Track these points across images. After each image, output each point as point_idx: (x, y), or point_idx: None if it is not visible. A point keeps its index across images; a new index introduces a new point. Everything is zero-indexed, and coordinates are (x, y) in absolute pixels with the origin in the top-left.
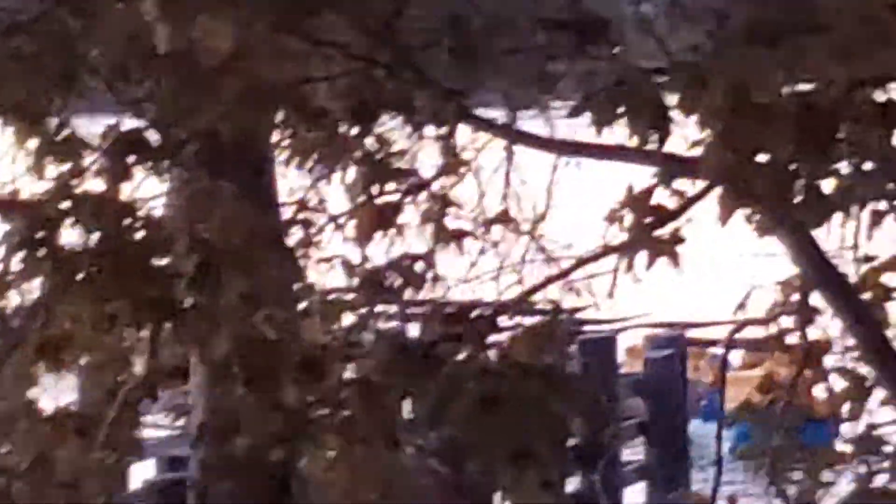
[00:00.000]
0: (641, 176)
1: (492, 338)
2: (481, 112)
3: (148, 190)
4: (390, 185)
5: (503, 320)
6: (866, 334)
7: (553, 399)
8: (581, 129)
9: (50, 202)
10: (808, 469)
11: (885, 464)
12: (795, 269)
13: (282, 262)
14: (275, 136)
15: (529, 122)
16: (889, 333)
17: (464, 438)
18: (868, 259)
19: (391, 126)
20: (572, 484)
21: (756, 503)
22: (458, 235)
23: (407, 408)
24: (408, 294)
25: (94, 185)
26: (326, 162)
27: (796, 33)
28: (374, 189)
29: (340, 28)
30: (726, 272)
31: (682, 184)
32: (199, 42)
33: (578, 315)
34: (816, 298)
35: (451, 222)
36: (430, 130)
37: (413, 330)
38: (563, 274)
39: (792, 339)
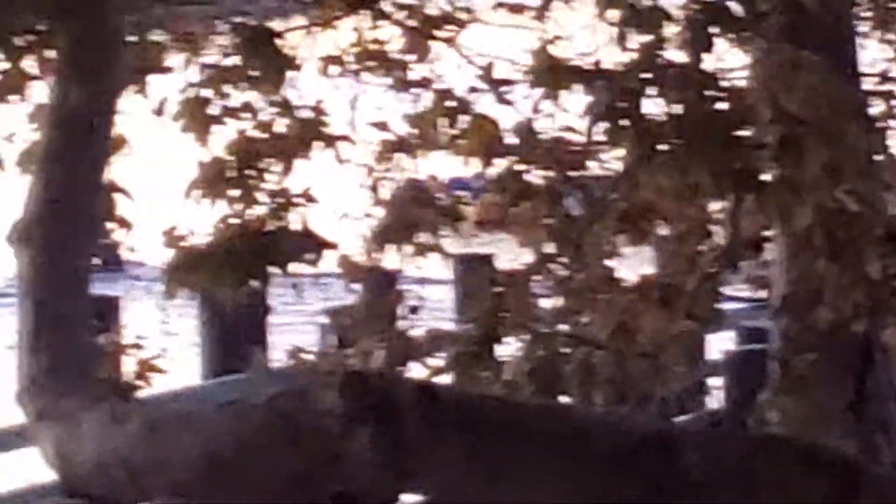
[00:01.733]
0: None
1: None
2: None
3: (731, 61)
4: None
5: None
6: None
7: None
8: None
9: (632, 73)
10: None
11: None
12: None
13: (865, 134)
14: (857, 8)
15: None
16: None
17: None
18: None
19: None
20: None
21: None
22: None
23: None
24: None
25: (677, 55)
26: None
27: None
28: None
29: None
30: None
31: None
32: None
33: None
34: None
35: None
36: None
37: None
38: None
39: None
